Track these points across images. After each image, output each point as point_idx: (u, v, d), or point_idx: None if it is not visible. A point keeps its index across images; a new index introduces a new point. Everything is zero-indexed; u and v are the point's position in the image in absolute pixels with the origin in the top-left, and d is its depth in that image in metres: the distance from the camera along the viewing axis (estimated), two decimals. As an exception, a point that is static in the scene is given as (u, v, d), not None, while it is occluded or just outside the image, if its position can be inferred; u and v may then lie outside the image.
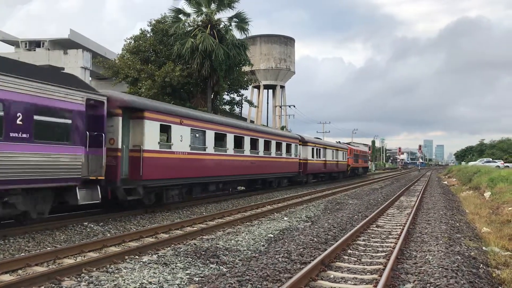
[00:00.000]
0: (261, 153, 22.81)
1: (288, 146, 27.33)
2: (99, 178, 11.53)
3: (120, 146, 12.57)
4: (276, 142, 25.24)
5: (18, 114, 9.42)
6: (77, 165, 10.92)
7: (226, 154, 18.70)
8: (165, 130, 14.57)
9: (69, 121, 10.76)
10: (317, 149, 33.59)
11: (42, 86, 10.02)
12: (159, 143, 14.04)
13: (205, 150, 16.94)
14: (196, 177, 16.43)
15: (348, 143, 53.32)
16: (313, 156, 32.46)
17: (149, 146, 13.55)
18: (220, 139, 18.44)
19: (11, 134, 9.27)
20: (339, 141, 50.13)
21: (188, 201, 16.97)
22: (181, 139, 15.32)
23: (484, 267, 7.82)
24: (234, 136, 19.57)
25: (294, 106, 62.66)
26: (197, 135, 16.63)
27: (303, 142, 30.83)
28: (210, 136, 17.28)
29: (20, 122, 9.46)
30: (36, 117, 9.83)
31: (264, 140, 23.32)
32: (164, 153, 14.36)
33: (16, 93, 9.40)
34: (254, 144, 21.95)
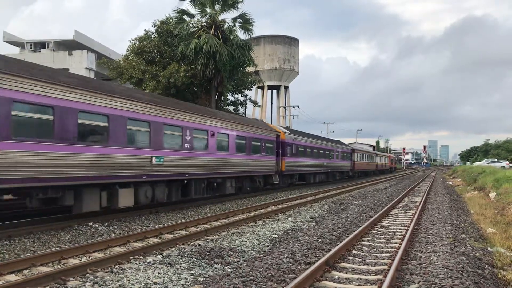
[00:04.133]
0: (369, 161, 56.40)
1: (374, 156, 61.05)
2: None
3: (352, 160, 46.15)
4: (369, 155, 58.22)
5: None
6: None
7: (371, 161, 57.50)
8: (355, 155, 46.80)
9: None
10: (380, 157, 66.66)
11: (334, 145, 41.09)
12: (356, 158, 47.64)
13: (368, 160, 55.53)
14: (362, 170, 53.16)
15: (352, 143, 59.56)
16: (379, 160, 65.23)
17: (356, 160, 47.09)
18: (365, 156, 53.94)
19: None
20: (383, 150, 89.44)
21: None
22: (360, 157, 50.09)
23: (490, 268, 7.78)
24: (369, 154, 57.36)
25: (298, 107, 62.70)
26: (363, 155, 52.41)
27: (375, 154, 63.66)
28: (362, 155, 51.86)
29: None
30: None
31: (368, 154, 57.32)
32: (358, 163, 48.32)
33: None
34: (368, 157, 56.20)
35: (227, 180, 19.25)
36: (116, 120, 12.24)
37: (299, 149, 28.38)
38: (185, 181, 16.47)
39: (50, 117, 10.26)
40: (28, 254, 8.50)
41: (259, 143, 22.09)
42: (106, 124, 11.96)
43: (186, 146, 15.67)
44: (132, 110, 12.88)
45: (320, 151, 33.70)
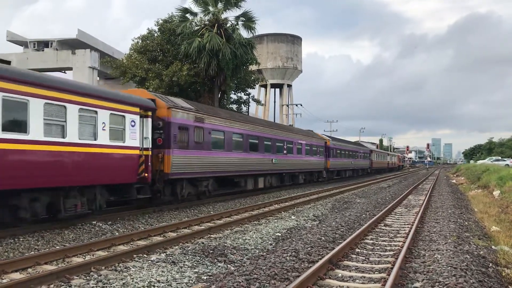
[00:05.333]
0: (383, 160, 67.03)
1: (386, 156, 71.19)
2: None
3: (370, 160, 55.69)
4: (382, 154, 68.60)
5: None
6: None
7: (384, 160, 68.86)
8: (373, 155, 56.99)
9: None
10: (390, 156, 77.49)
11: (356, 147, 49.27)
12: (374, 157, 57.32)
13: (382, 159, 66.27)
14: (378, 167, 63.28)
15: (356, 142, 59.75)
16: (390, 159, 75.03)
17: (373, 159, 57.35)
18: (380, 155, 65.41)
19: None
20: (386, 148, 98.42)
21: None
22: (376, 156, 60.49)
23: (494, 266, 7.76)
24: (383, 154, 70.95)
25: (301, 105, 62.56)
26: (378, 155, 62.90)
27: (387, 153, 74.81)
28: (378, 154, 63.70)
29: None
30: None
31: (382, 154, 69.78)
32: (375, 161, 58.84)
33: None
34: (382, 156, 68.77)
35: (300, 174, 29.42)
36: (260, 139, 22.25)
37: (337, 151, 38.23)
38: (283, 174, 26.34)
39: (241, 139, 20.12)
40: (32, 252, 8.53)
41: (316, 148, 32.19)
42: (257, 141, 21.83)
43: (284, 152, 25.64)
44: (264, 132, 23.01)
45: (350, 153, 43.18)
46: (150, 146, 13.56)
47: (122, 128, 12.46)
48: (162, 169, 14.16)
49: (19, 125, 9.49)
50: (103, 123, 11.80)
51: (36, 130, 9.73)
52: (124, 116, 12.50)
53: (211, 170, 17.29)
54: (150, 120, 13.64)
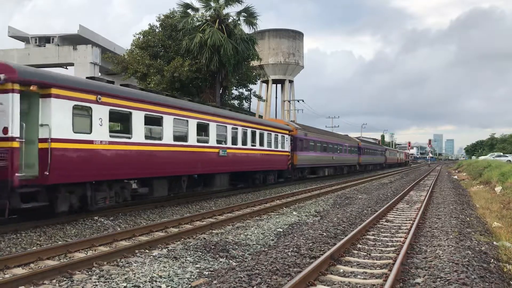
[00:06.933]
0: (393, 156, 78.92)
1: (396, 153, 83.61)
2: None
3: (385, 156, 68.96)
4: (393, 151, 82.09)
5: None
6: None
7: (395, 156, 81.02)
8: (387, 152, 71.00)
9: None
10: (399, 153, 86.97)
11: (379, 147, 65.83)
12: (387, 154, 71.10)
13: (393, 156, 79.10)
14: (390, 163, 76.00)
15: (358, 137, 59.84)
16: (398, 156, 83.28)
17: (387, 155, 70.48)
18: (392, 153, 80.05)
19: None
20: (388, 144, 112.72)
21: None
22: (389, 153, 72.87)
23: (495, 262, 7.75)
24: (394, 151, 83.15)
25: (303, 101, 62.46)
26: (391, 152, 76.48)
27: (397, 151, 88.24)
28: (390, 152, 75.58)
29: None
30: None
31: (393, 151, 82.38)
32: (388, 157, 71.53)
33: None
34: (393, 153, 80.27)
35: (344, 167, 41.81)
36: (327, 144, 34.50)
37: (365, 150, 50.39)
38: (337, 166, 38.63)
39: (319, 144, 32.51)
40: (34, 247, 8.55)
41: (353, 148, 44.13)
42: (326, 145, 34.01)
43: (338, 152, 37.47)
44: (329, 139, 35.72)
45: (371, 151, 55.37)
46: (289, 150, 25.68)
47: (283, 142, 24.72)
48: (293, 162, 26.56)
49: (241, 142, 19.66)
50: (278, 140, 23.84)
51: (251, 143, 20.62)
52: (284, 136, 24.93)
53: (309, 163, 30.39)
54: (289, 137, 25.89)
